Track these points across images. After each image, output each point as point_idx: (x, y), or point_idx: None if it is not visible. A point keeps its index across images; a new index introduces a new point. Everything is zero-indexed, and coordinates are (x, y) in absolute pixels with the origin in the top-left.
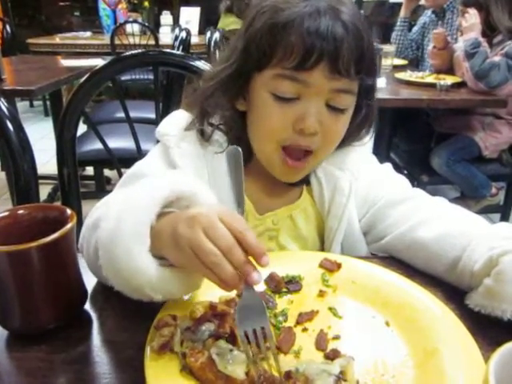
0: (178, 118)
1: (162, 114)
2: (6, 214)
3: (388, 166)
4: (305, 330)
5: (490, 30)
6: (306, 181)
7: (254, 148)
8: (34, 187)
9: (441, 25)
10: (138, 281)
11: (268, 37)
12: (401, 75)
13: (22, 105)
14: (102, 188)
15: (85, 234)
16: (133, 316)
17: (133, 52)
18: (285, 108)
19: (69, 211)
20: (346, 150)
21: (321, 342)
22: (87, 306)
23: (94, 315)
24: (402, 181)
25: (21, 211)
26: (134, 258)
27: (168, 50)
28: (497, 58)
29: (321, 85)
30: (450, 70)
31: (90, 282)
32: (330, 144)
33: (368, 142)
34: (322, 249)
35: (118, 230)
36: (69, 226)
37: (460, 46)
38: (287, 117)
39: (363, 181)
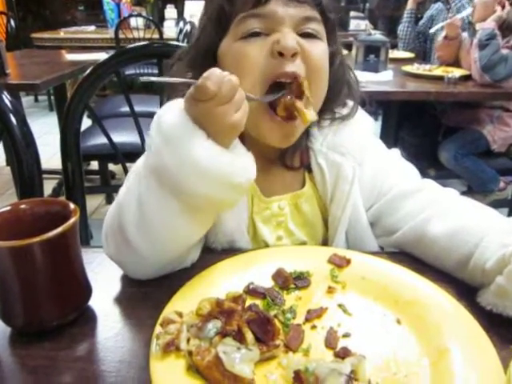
0: (177, 103)
1: None
2: (8, 208)
3: (395, 152)
4: (314, 327)
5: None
6: (307, 167)
7: None
8: (38, 182)
9: (451, 13)
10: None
11: None
12: (408, 68)
13: (26, 100)
14: (107, 183)
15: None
16: (138, 313)
17: (137, 44)
18: (258, 41)
19: (72, 205)
20: (342, 130)
21: (330, 340)
22: (91, 303)
23: (98, 312)
24: (411, 170)
25: (23, 206)
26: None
27: (172, 42)
28: (505, 51)
29: (283, 14)
30: (455, 63)
31: (94, 278)
32: (316, 73)
33: (360, 118)
34: (328, 236)
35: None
36: (72, 220)
37: (466, 37)
38: (263, 46)
39: (369, 168)
